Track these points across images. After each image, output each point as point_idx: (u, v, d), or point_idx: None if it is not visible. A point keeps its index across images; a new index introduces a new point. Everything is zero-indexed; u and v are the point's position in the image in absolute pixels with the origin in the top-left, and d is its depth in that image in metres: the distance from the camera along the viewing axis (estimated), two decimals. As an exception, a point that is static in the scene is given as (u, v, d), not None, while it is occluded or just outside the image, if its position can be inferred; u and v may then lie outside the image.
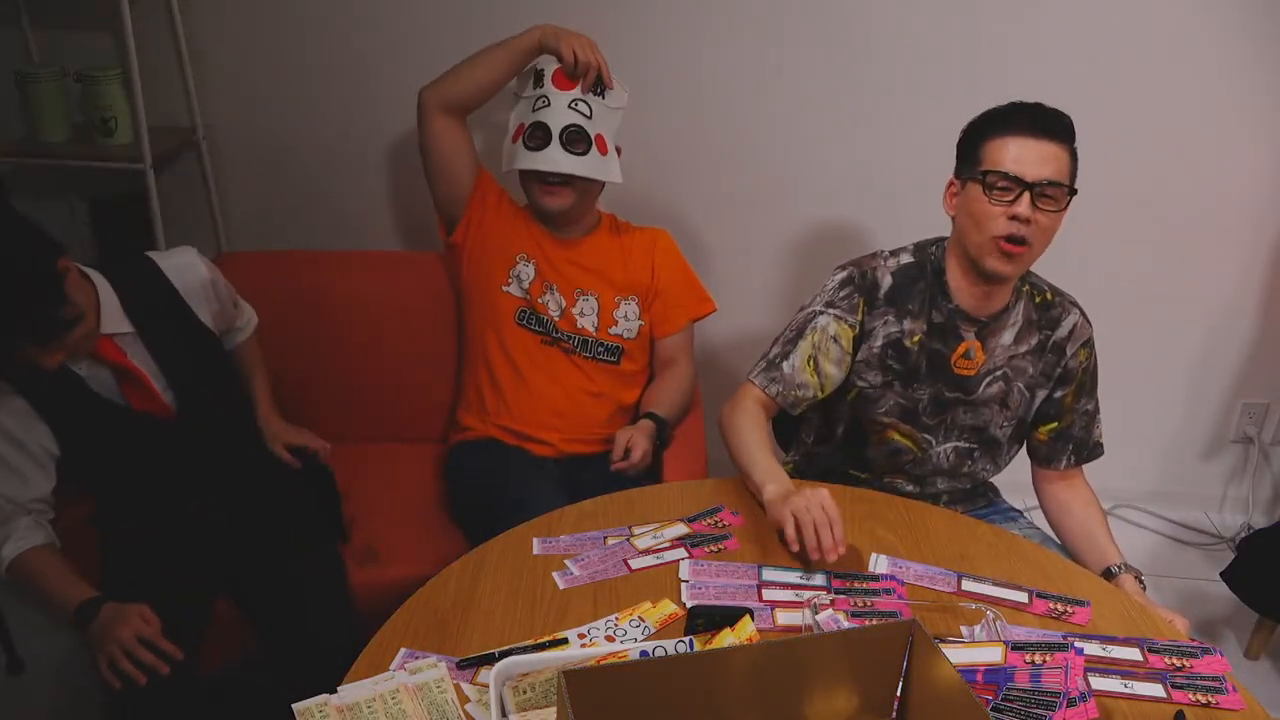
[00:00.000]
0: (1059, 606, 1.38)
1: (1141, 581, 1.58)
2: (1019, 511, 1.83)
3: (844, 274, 1.69)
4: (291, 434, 1.88)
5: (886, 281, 1.66)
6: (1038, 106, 1.55)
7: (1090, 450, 1.76)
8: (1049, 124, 1.52)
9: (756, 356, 1.74)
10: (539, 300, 2.01)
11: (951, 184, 1.63)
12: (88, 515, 1.72)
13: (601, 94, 1.97)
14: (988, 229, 1.53)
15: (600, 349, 2.03)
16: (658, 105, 2.34)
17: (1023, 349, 1.67)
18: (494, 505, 1.82)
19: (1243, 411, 2.74)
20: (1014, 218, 1.50)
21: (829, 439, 1.80)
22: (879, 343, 1.66)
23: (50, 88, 2.22)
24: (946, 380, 1.67)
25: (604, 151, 1.96)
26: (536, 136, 1.92)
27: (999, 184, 1.51)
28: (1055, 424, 1.73)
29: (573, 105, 1.93)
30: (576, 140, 1.92)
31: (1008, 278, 1.58)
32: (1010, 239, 1.52)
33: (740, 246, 2.55)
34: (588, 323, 2.03)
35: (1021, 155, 1.51)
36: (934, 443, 1.71)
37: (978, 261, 1.57)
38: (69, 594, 1.52)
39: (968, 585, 1.41)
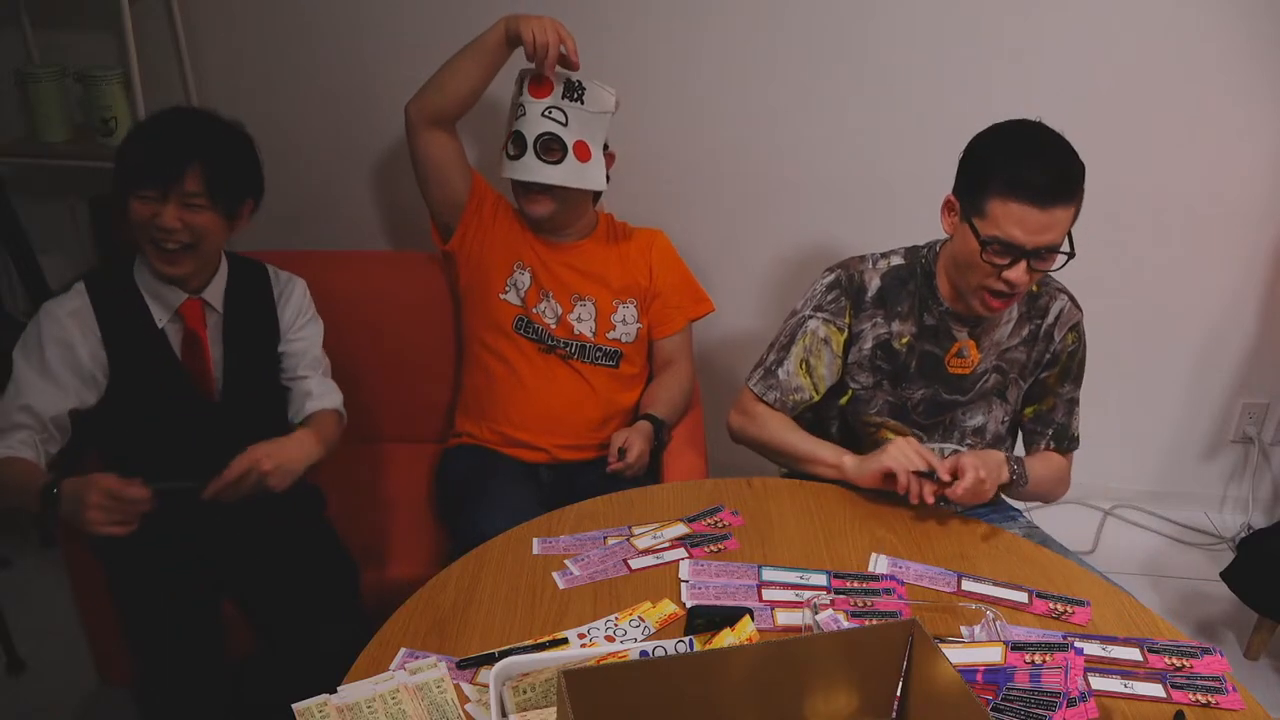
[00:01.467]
0: (1059, 606, 1.38)
1: (1012, 474, 1.60)
2: (1019, 511, 1.83)
3: (831, 277, 1.69)
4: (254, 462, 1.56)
5: (874, 284, 1.67)
6: (1050, 170, 1.45)
7: (1070, 440, 1.75)
8: (1059, 192, 1.45)
9: (756, 356, 1.75)
10: (534, 310, 2.01)
11: (949, 202, 1.59)
12: None
13: (579, 99, 1.93)
14: (978, 279, 1.54)
15: (598, 353, 2.03)
16: (655, 106, 2.34)
17: (1015, 341, 1.69)
18: (459, 520, 1.84)
19: (1243, 411, 2.74)
20: (1007, 280, 1.50)
21: (824, 439, 1.80)
22: (868, 344, 1.68)
23: (50, 88, 2.23)
24: (942, 381, 1.68)
25: (584, 158, 1.94)
26: (516, 146, 1.93)
27: (997, 250, 1.49)
28: (1037, 405, 1.74)
29: (546, 113, 1.91)
30: (552, 149, 1.91)
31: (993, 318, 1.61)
32: (998, 295, 1.54)
33: (738, 246, 2.54)
34: (585, 328, 2.03)
35: (1026, 223, 1.46)
36: (923, 439, 1.71)
37: (965, 299, 1.60)
38: (30, 484, 1.48)
39: (967, 585, 1.41)
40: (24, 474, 1.52)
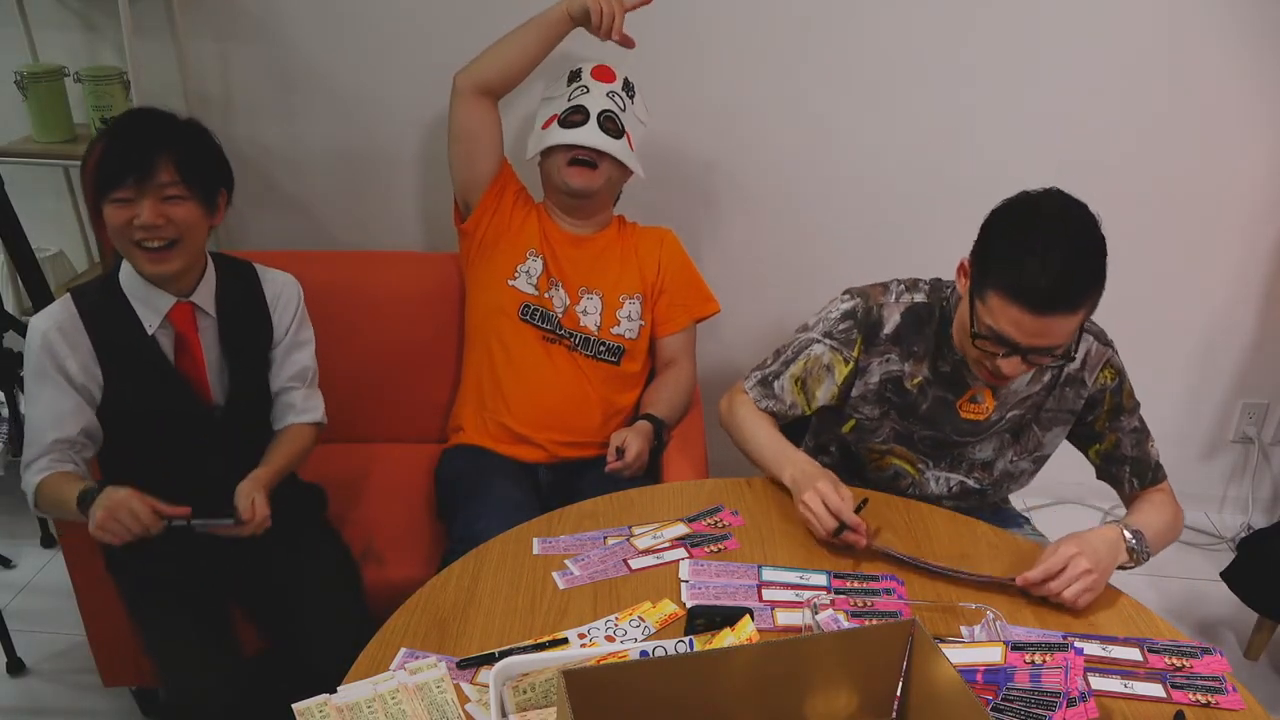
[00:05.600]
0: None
1: (1133, 554, 1.46)
2: (1025, 518, 1.81)
3: (848, 305, 1.63)
4: (260, 498, 1.60)
5: (893, 320, 1.60)
6: (1050, 277, 1.33)
7: (1153, 470, 1.62)
8: (1058, 300, 1.34)
9: (759, 359, 1.74)
10: (545, 295, 2.01)
11: (963, 265, 1.49)
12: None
13: (631, 98, 2.04)
14: (974, 355, 1.49)
15: (601, 348, 2.03)
16: (664, 107, 2.34)
17: (1036, 389, 1.59)
18: (455, 521, 1.84)
19: (1243, 411, 2.74)
20: (1000, 368, 1.44)
21: (826, 452, 1.80)
22: (875, 379, 1.62)
23: (50, 88, 2.22)
24: (954, 426, 1.62)
25: (631, 147, 2.02)
26: (575, 117, 1.96)
27: (991, 340, 1.42)
28: (1098, 445, 1.64)
29: (610, 95, 1.99)
30: (611, 125, 1.97)
31: None
32: (997, 375, 1.47)
33: (745, 248, 2.54)
34: (590, 321, 2.03)
35: (1020, 325, 1.37)
36: (930, 465, 1.67)
37: (968, 363, 1.53)
38: (74, 490, 1.52)
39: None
40: (64, 484, 1.54)
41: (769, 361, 1.71)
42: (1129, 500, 1.66)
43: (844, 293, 1.65)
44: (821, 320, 1.65)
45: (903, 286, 1.62)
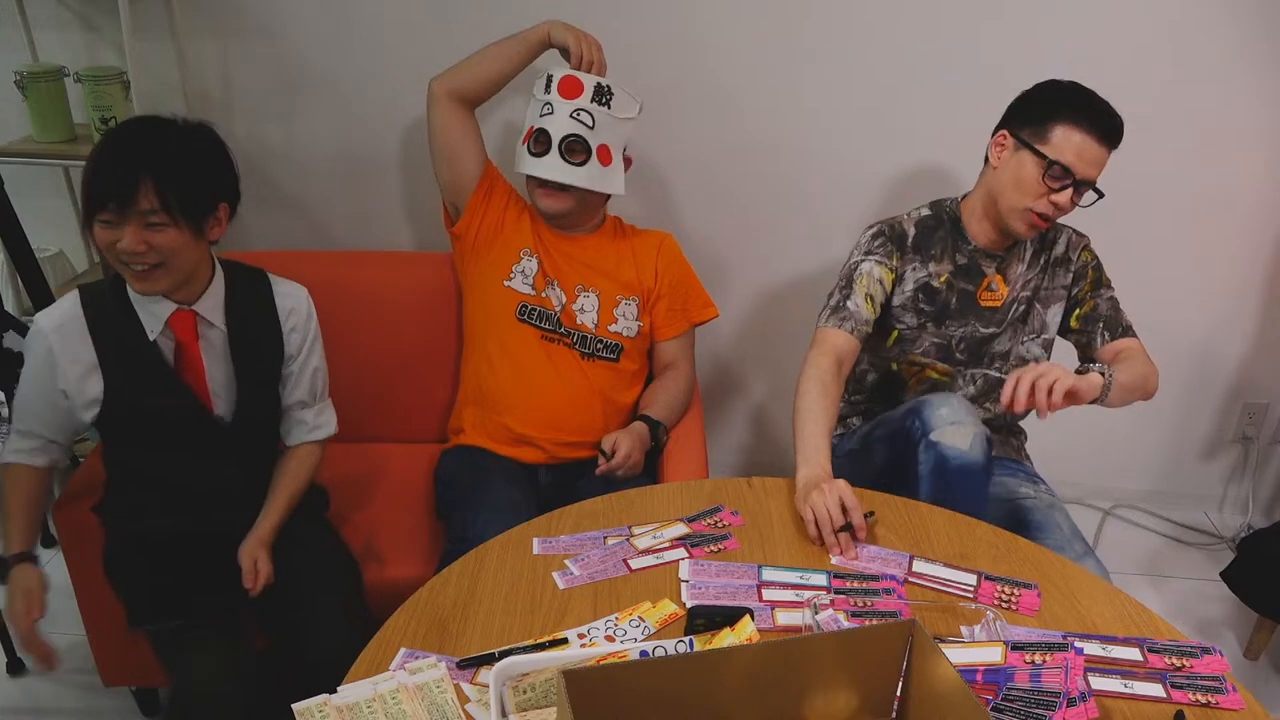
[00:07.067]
0: (1005, 590, 1.40)
1: (1107, 379, 1.65)
2: (1040, 477, 1.91)
3: (875, 229, 1.87)
4: (263, 558, 1.66)
5: (911, 231, 1.85)
6: (1109, 113, 1.70)
7: (1123, 328, 1.86)
8: (1113, 132, 1.70)
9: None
10: (542, 294, 2.01)
11: (1002, 136, 1.75)
12: (92, 504, 1.72)
13: (607, 104, 1.95)
14: (1028, 201, 1.72)
15: (599, 346, 2.03)
16: (664, 108, 2.34)
17: (1034, 271, 1.88)
18: (453, 523, 1.84)
19: (1243, 411, 2.74)
20: (1054, 203, 1.69)
21: (862, 390, 1.94)
22: (910, 287, 1.84)
23: (50, 88, 2.23)
24: (977, 315, 1.85)
25: (606, 162, 1.96)
26: (540, 143, 1.94)
27: (1058, 174, 1.68)
28: (1079, 309, 1.89)
29: (574, 115, 1.93)
30: (576, 150, 1.93)
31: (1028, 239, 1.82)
32: (1044, 217, 1.72)
33: (745, 250, 2.54)
34: (587, 319, 2.03)
35: (1084, 153, 1.68)
36: (964, 371, 1.89)
37: (1005, 220, 1.76)
38: (8, 536, 1.58)
39: (919, 566, 1.44)
40: (12, 495, 1.60)
41: (830, 299, 1.84)
42: (1104, 361, 1.84)
43: (867, 227, 1.88)
44: (857, 248, 1.87)
45: (907, 211, 1.89)
